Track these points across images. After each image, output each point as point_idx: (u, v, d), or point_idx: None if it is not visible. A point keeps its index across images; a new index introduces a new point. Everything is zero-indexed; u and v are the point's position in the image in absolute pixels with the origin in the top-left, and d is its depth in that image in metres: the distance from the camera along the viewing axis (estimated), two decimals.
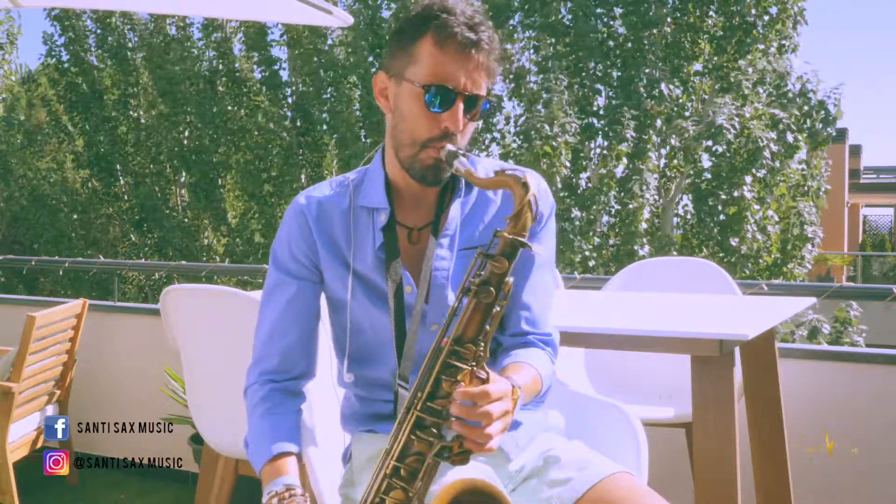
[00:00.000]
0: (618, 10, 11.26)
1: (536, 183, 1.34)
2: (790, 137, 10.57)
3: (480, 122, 1.51)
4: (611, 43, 11.22)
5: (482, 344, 1.28)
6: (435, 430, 1.28)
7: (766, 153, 10.28)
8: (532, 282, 1.56)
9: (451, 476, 1.30)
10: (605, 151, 11.00)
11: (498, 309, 1.29)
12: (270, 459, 1.44)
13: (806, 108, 10.89)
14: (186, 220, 14.71)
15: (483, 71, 1.44)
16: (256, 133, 13.74)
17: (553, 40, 11.13)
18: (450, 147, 1.41)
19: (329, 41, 13.32)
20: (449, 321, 1.31)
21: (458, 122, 1.42)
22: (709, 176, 10.91)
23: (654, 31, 10.77)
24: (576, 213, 10.48)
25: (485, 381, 1.26)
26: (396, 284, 1.50)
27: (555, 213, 1.60)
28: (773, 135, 10.42)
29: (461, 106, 1.42)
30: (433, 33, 1.42)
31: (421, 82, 1.42)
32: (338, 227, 1.54)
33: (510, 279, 1.29)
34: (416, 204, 1.54)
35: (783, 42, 11.03)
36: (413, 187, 1.51)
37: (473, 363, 1.28)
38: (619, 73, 11.09)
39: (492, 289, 1.28)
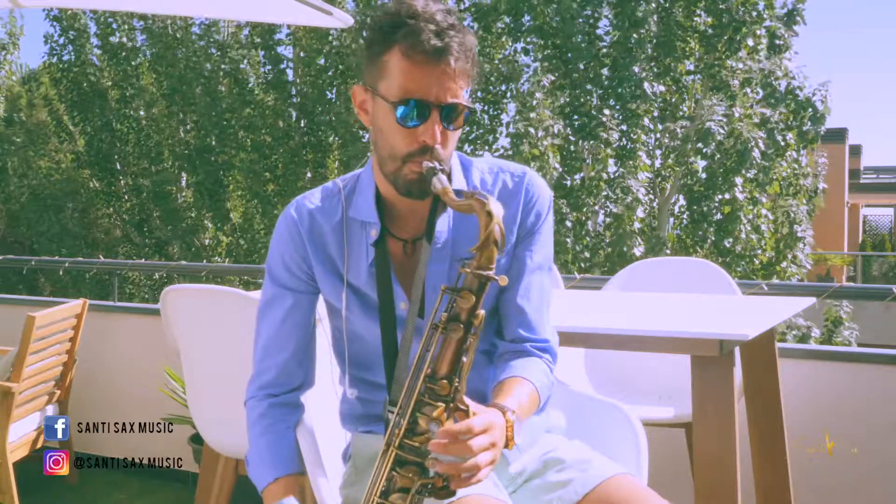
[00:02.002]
0: (605, 11, 11.22)
1: (498, 210, 1.26)
2: (779, 136, 10.53)
3: (464, 127, 1.45)
4: (599, 43, 11.18)
5: (457, 379, 1.27)
6: (416, 468, 1.27)
7: (756, 152, 10.23)
8: (525, 285, 1.53)
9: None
10: (594, 150, 10.96)
11: (470, 342, 1.27)
12: (271, 483, 1.49)
13: (793, 105, 10.83)
14: (189, 219, 14.70)
15: (457, 78, 1.37)
16: (263, 132, 13.72)
17: (541, 42, 11.10)
18: (427, 164, 1.36)
19: (335, 42, 13.25)
20: (419, 358, 1.29)
21: (435, 136, 1.37)
22: (704, 176, 10.88)
23: (643, 30, 10.72)
24: (568, 213, 10.44)
25: (466, 415, 1.25)
26: (388, 304, 1.47)
27: (552, 210, 1.57)
28: (763, 134, 10.38)
29: (437, 118, 1.36)
30: (400, 44, 1.35)
31: (393, 98, 1.37)
32: (330, 239, 1.52)
33: (481, 312, 1.27)
34: (409, 215, 1.50)
35: (776, 41, 10.96)
36: (403, 199, 1.45)
37: (450, 399, 1.26)
38: (609, 73, 11.06)
39: (460, 324, 1.26)
